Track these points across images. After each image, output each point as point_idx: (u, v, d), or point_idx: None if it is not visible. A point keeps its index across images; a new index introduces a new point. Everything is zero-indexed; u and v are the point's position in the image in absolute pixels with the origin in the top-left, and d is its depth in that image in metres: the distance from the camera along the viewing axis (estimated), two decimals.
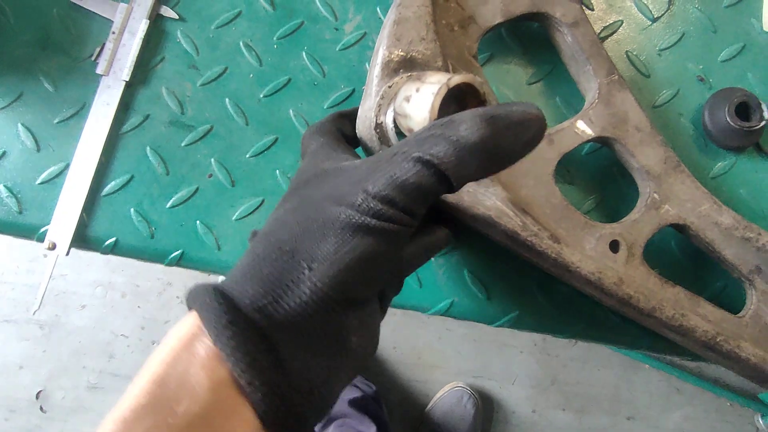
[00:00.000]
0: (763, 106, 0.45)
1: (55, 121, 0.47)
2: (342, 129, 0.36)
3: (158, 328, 1.39)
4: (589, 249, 0.39)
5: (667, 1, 0.50)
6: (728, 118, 0.45)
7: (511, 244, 0.38)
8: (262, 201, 0.46)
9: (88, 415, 1.38)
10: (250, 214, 0.46)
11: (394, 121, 0.32)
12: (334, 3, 0.49)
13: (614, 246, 0.40)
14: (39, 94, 0.48)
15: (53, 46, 0.48)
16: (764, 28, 0.50)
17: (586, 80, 0.43)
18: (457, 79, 0.27)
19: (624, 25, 0.50)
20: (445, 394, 1.31)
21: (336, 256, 0.24)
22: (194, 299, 0.24)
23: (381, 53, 0.34)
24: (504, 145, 0.24)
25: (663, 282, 0.40)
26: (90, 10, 0.48)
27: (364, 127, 0.34)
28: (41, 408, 1.38)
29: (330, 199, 0.25)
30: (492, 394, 1.36)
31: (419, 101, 0.28)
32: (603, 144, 0.43)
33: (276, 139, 0.47)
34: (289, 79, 0.48)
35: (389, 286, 0.29)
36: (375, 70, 0.34)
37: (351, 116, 0.37)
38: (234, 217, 0.46)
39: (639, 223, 0.40)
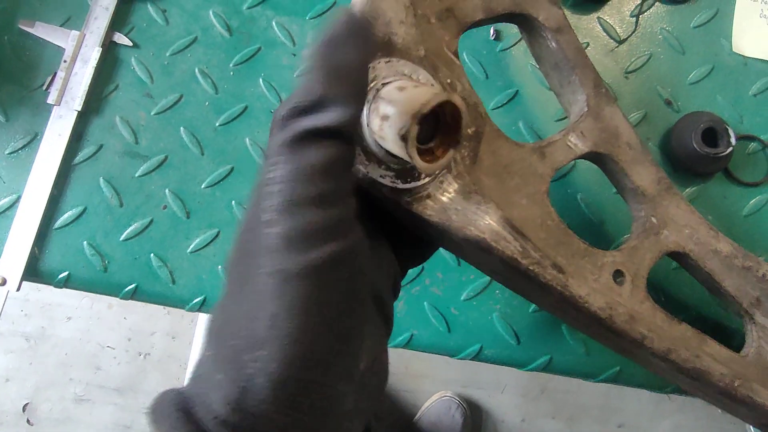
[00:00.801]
0: (730, 132, 0.44)
1: (6, 152, 0.46)
2: None
3: (144, 340, 1.38)
4: (592, 280, 0.34)
5: (634, 22, 0.49)
6: (695, 144, 0.44)
7: (507, 275, 0.33)
8: (218, 233, 0.45)
9: (75, 427, 1.37)
10: (205, 246, 0.45)
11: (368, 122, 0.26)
12: (292, 28, 0.48)
13: (618, 276, 0.35)
14: None
15: (4, 75, 0.47)
16: (734, 49, 0.49)
17: (570, 91, 0.39)
18: (430, 106, 0.22)
19: (590, 47, 0.48)
20: (434, 403, 1.30)
21: (275, 326, 0.18)
22: (159, 420, 0.20)
23: None
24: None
25: (670, 318, 0.36)
26: (41, 38, 0.47)
27: None
28: (28, 420, 1.37)
29: (246, 256, 0.20)
30: (481, 404, 1.36)
31: (392, 127, 0.24)
32: (594, 161, 0.39)
33: (232, 169, 0.46)
34: (246, 107, 0.47)
35: (382, 296, 0.25)
36: None
37: None
38: (189, 250, 0.45)
39: (639, 251, 0.36)
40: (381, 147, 0.26)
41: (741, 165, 0.47)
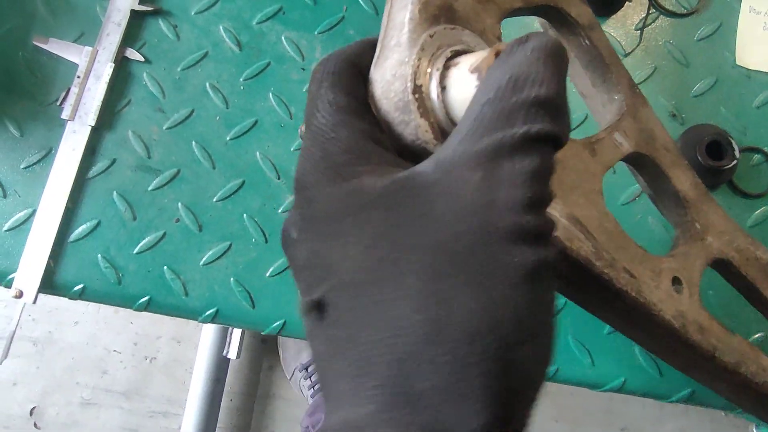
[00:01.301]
0: (734, 145, 0.45)
1: (22, 166, 0.47)
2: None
3: (151, 344, 1.39)
4: (653, 287, 0.32)
5: (639, 36, 0.49)
6: (700, 158, 0.45)
7: (576, 280, 0.30)
8: (230, 245, 0.46)
9: (82, 430, 1.38)
10: (217, 258, 0.46)
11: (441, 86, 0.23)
12: (301, 42, 0.49)
13: (676, 284, 0.33)
14: (5, 140, 0.47)
15: (19, 91, 0.48)
16: (737, 62, 0.50)
17: (605, 90, 0.37)
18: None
19: None
20: None
21: (537, 317, 0.17)
22: None
23: None
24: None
25: (725, 329, 0.34)
26: (55, 54, 0.48)
27: (388, 91, 0.24)
28: (35, 424, 1.38)
29: (464, 249, 0.17)
30: None
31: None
32: (635, 163, 0.37)
33: (243, 183, 0.47)
34: (256, 121, 0.48)
35: None
36: (407, 11, 0.24)
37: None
38: (201, 262, 0.46)
39: (690, 257, 0.35)
40: (452, 122, 0.23)
41: (745, 177, 0.47)
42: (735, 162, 0.45)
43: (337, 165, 0.20)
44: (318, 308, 0.19)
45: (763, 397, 0.34)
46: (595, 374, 0.44)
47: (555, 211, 0.28)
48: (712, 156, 0.45)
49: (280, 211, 0.47)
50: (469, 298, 0.17)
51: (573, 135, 0.36)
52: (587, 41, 0.37)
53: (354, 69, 0.23)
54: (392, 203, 0.19)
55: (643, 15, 0.50)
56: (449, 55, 0.23)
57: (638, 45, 0.49)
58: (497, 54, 0.20)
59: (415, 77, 0.23)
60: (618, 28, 0.50)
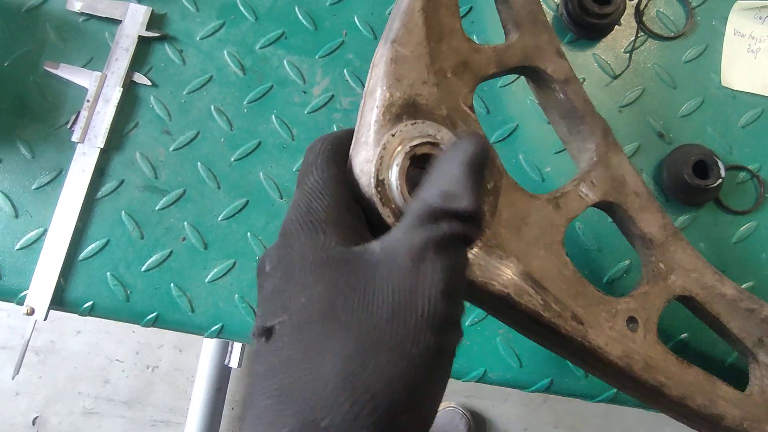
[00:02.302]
0: (720, 164, 0.47)
1: (33, 187, 0.49)
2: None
3: (152, 353, 1.41)
4: (608, 328, 0.35)
5: (628, 58, 0.51)
6: (686, 177, 0.47)
7: (530, 328, 0.34)
8: (234, 263, 0.48)
9: None
10: (222, 276, 0.47)
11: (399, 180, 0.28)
12: (303, 66, 0.51)
13: (631, 323, 0.36)
14: (17, 161, 0.49)
15: (30, 114, 0.50)
16: (723, 83, 0.51)
17: (580, 139, 0.41)
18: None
19: (586, 82, 0.51)
20: (438, 414, 1.32)
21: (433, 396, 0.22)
22: None
23: (380, 94, 0.30)
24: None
25: (680, 362, 0.37)
26: (65, 78, 0.50)
27: (360, 178, 0.29)
28: None
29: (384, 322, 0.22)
30: (484, 414, 1.37)
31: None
32: (604, 209, 0.41)
33: (247, 202, 0.48)
34: (259, 143, 0.49)
35: None
36: (373, 114, 0.29)
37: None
38: (207, 279, 0.47)
39: (650, 296, 0.38)
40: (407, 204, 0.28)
41: (731, 194, 0.49)
42: (720, 180, 0.46)
43: (316, 221, 0.25)
44: (267, 334, 0.23)
45: (712, 425, 0.37)
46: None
47: (509, 270, 0.32)
48: (699, 175, 0.47)
49: None
50: (382, 364, 0.21)
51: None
52: (562, 95, 0.40)
53: (344, 149, 0.29)
54: (345, 269, 0.23)
55: (632, 38, 0.52)
56: (408, 150, 0.28)
57: (627, 67, 0.51)
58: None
59: (377, 174, 0.28)
60: (608, 51, 0.52)
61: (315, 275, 0.23)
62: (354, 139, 0.29)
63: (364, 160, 0.28)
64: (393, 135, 0.29)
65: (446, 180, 0.25)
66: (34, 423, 1.39)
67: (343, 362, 0.21)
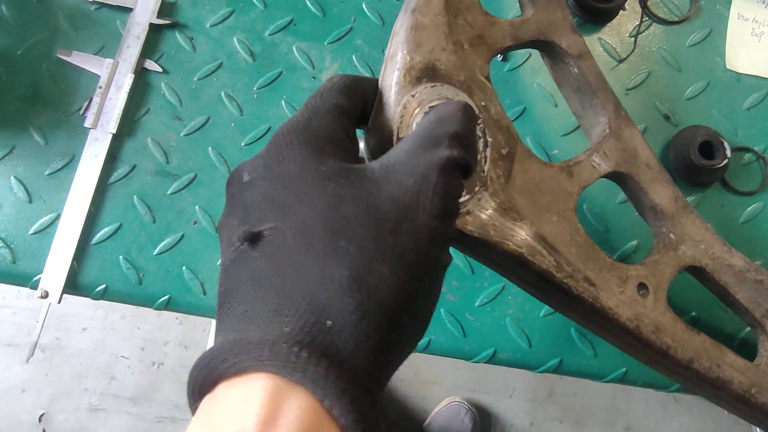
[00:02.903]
0: (726, 145, 0.47)
1: (46, 173, 0.49)
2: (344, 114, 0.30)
3: (158, 349, 1.41)
4: (618, 293, 0.36)
5: (633, 42, 0.52)
6: (693, 157, 0.47)
7: (542, 288, 0.35)
8: None
9: None
10: None
11: None
12: (312, 52, 0.51)
13: (641, 289, 0.37)
14: (30, 148, 0.50)
15: (43, 101, 0.50)
16: (728, 66, 0.52)
17: (592, 113, 0.42)
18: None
19: None
20: (443, 409, 1.32)
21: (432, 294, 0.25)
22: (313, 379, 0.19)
23: (401, 57, 0.31)
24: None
25: (689, 329, 0.38)
26: (78, 66, 0.50)
27: (379, 140, 0.30)
28: (44, 431, 1.39)
29: (395, 218, 0.23)
30: (489, 408, 1.38)
31: None
32: (615, 180, 0.41)
33: None
34: (270, 128, 0.50)
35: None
36: (394, 77, 0.30)
37: (357, 90, 0.31)
38: (218, 263, 0.48)
39: (660, 265, 0.39)
40: None
41: (737, 175, 0.50)
42: (726, 161, 0.47)
43: (315, 137, 0.26)
44: (252, 240, 0.23)
45: (717, 389, 0.37)
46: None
47: (523, 231, 0.33)
48: (705, 155, 0.47)
49: None
50: (388, 270, 0.22)
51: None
52: (576, 69, 0.41)
53: (360, 90, 0.29)
54: (347, 183, 0.24)
55: (637, 23, 0.52)
56: (427, 110, 0.29)
57: (633, 51, 0.52)
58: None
59: (398, 132, 0.30)
60: (613, 36, 0.52)
61: (316, 186, 0.24)
62: (377, 100, 0.31)
63: (385, 119, 0.30)
64: (413, 96, 0.30)
65: (443, 113, 0.28)
66: (40, 420, 1.39)
67: (348, 267, 0.22)
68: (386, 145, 0.29)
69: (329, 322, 0.21)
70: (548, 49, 0.41)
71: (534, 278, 0.34)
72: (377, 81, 0.31)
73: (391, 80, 0.30)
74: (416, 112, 0.29)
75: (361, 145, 0.31)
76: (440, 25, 0.32)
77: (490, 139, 0.32)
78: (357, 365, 0.21)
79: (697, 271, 0.41)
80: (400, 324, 0.22)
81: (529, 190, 0.34)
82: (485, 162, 0.31)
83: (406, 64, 0.31)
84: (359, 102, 0.29)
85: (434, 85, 0.31)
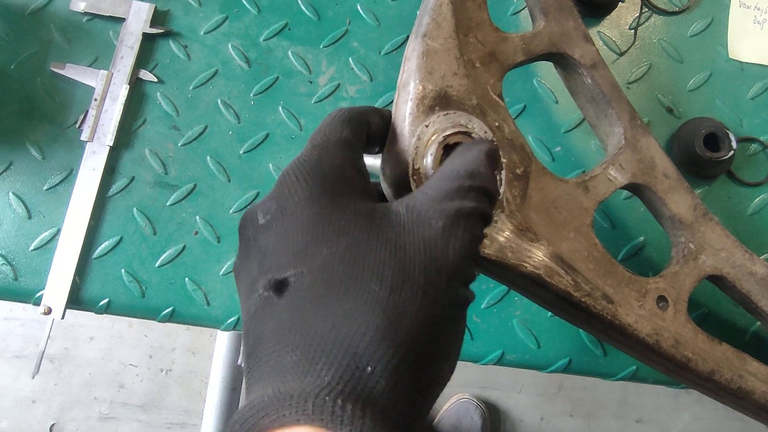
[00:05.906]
0: (731, 136, 0.46)
1: (44, 188, 0.49)
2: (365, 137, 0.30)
3: (165, 356, 1.41)
4: (637, 307, 0.36)
5: (633, 35, 0.51)
6: (698, 150, 0.46)
7: (561, 307, 0.35)
8: None
9: None
10: None
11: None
12: (308, 57, 0.51)
13: (661, 302, 0.37)
14: (27, 163, 0.49)
15: (39, 115, 0.50)
16: (730, 55, 0.51)
17: (607, 124, 0.41)
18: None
19: None
20: (452, 406, 1.32)
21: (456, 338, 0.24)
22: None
23: (413, 87, 0.31)
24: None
25: (710, 340, 0.38)
26: (72, 78, 0.50)
27: (395, 171, 0.31)
28: None
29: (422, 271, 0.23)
30: (499, 404, 1.37)
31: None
32: (633, 191, 0.42)
33: (257, 194, 0.49)
34: (268, 134, 0.49)
35: None
36: (407, 107, 0.31)
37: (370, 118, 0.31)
38: (221, 272, 0.47)
39: (680, 276, 0.38)
40: None
41: (743, 166, 0.49)
42: (732, 152, 0.46)
43: (328, 176, 0.25)
44: (277, 288, 0.23)
45: (739, 399, 0.37)
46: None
47: (540, 252, 0.33)
48: (710, 148, 0.46)
49: None
50: (420, 314, 0.22)
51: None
52: (589, 80, 0.40)
53: (363, 119, 0.29)
54: (369, 224, 0.24)
55: (637, 14, 0.51)
56: (441, 140, 0.30)
57: (633, 44, 0.51)
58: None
59: (413, 163, 0.30)
60: (612, 28, 0.51)
61: (338, 227, 0.23)
62: (391, 130, 0.31)
63: (400, 150, 0.30)
64: (426, 126, 0.30)
65: (470, 161, 0.27)
66: (51, 430, 1.40)
67: (382, 311, 0.21)
68: (403, 177, 0.30)
69: (369, 368, 0.20)
70: (561, 60, 0.41)
71: (552, 298, 0.34)
72: (374, 108, 0.31)
73: (404, 111, 0.31)
74: (431, 141, 0.30)
75: (368, 160, 0.30)
76: (451, 49, 0.32)
77: (504, 160, 0.32)
78: (399, 410, 0.20)
79: (718, 280, 0.40)
80: (435, 364, 0.22)
81: (545, 207, 0.34)
82: (500, 184, 0.31)
83: (418, 94, 0.31)
84: (363, 133, 0.29)
85: (447, 113, 0.31)
